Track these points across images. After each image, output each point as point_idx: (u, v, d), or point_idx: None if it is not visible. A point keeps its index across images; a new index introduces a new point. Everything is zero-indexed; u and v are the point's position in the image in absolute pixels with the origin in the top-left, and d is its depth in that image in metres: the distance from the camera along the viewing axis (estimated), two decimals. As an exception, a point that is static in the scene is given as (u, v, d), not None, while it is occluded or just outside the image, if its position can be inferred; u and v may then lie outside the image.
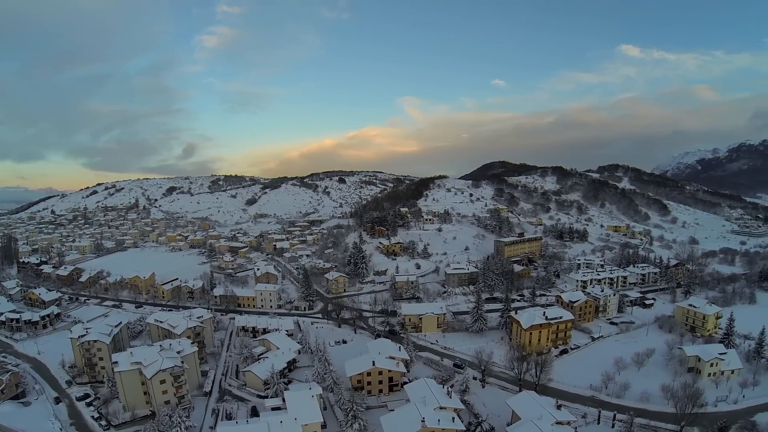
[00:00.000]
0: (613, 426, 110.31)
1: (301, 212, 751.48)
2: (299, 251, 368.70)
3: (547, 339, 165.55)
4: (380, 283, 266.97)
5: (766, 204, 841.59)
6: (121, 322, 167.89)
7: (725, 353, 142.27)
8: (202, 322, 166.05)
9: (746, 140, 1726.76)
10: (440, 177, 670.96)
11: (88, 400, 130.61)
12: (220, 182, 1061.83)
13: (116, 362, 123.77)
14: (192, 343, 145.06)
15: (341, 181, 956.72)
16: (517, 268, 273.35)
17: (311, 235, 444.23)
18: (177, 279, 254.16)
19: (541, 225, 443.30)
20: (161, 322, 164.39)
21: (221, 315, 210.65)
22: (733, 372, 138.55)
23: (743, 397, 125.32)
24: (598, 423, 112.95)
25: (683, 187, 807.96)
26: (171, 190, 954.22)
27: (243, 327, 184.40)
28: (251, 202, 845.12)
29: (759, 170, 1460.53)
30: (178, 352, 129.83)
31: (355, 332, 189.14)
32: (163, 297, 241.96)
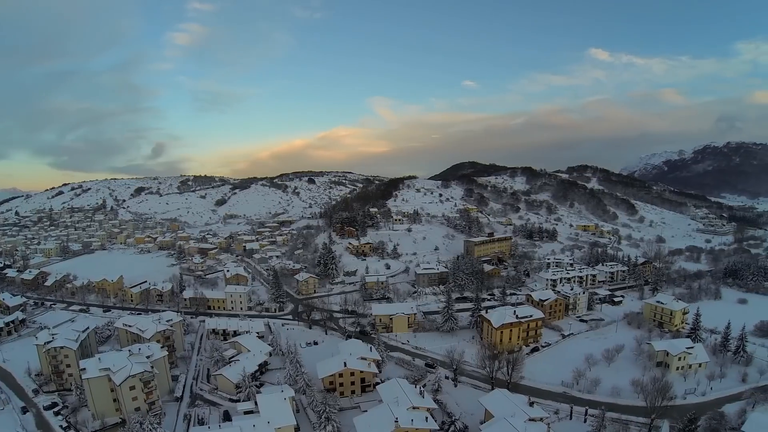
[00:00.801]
0: (585, 421, 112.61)
1: (270, 213, 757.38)
2: (269, 252, 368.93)
3: (518, 337, 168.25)
4: (350, 283, 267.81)
5: (730, 203, 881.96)
6: (88, 327, 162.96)
7: (692, 347, 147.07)
8: (171, 326, 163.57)
9: (711, 142, 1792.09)
10: (410, 177, 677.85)
11: (56, 409, 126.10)
12: (190, 182, 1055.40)
13: (84, 369, 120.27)
14: (162, 347, 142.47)
15: (311, 181, 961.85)
16: (487, 267, 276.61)
17: (281, 236, 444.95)
18: (146, 282, 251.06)
19: (510, 225, 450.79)
20: (130, 326, 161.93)
21: (191, 318, 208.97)
22: (700, 365, 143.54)
23: (711, 389, 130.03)
24: (571, 418, 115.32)
25: (650, 187, 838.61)
26: (139, 190, 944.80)
27: (213, 330, 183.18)
28: (221, 202, 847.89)
29: (723, 171, 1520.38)
30: (148, 357, 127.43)
31: (326, 333, 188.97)
32: (132, 300, 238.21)
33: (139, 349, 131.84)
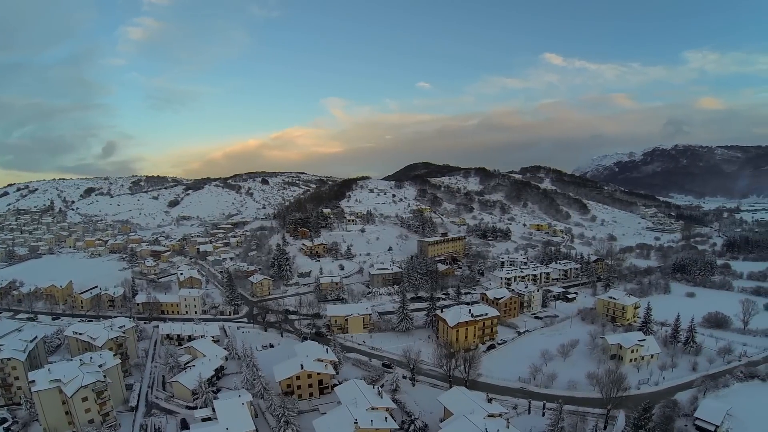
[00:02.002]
0: (543, 415, 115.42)
1: (224, 214, 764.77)
2: (223, 254, 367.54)
3: (474, 335, 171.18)
4: (305, 285, 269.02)
5: (677, 203, 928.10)
6: (37, 337, 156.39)
7: (644, 340, 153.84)
8: (124, 332, 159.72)
9: (660, 145, 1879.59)
10: (363, 178, 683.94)
11: (5, 425, 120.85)
12: (142, 183, 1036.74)
13: (33, 381, 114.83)
14: (114, 355, 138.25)
15: (264, 182, 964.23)
16: (442, 267, 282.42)
17: (235, 237, 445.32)
18: (96, 287, 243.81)
19: (464, 225, 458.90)
20: (81, 334, 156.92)
21: (144, 323, 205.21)
22: (652, 356, 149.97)
23: (663, 378, 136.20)
24: (529, 413, 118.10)
25: (602, 187, 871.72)
26: (89, 191, 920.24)
27: (168, 335, 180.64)
28: (174, 203, 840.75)
29: (671, 172, 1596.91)
30: (100, 366, 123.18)
31: (282, 335, 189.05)
32: (82, 307, 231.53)
33: (91, 358, 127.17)
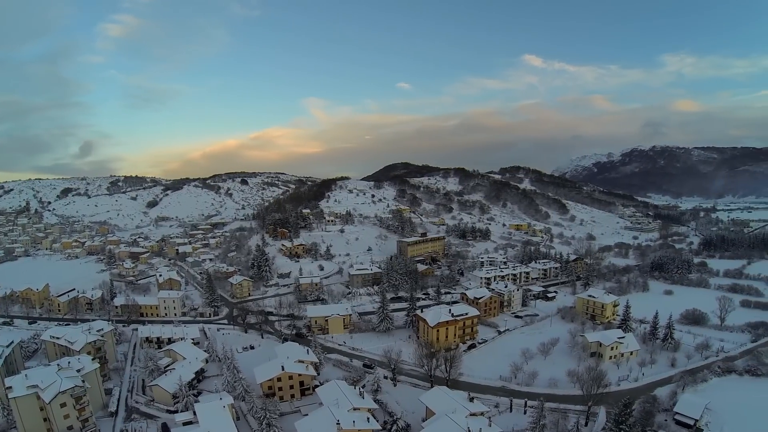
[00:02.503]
0: (525, 412, 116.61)
1: (203, 214, 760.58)
2: (202, 255, 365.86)
3: (455, 335, 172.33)
4: (284, 285, 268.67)
5: (655, 203, 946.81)
6: (13, 341, 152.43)
7: (623, 337, 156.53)
8: (102, 336, 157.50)
9: (638, 146, 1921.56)
10: (342, 178, 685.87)
11: None
12: (120, 183, 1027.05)
13: (10, 387, 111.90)
14: (93, 359, 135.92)
15: (244, 182, 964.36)
16: (421, 267, 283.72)
17: (214, 238, 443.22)
18: (74, 290, 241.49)
19: (443, 225, 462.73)
20: (58, 338, 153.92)
21: (123, 326, 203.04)
22: (632, 353, 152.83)
23: (643, 375, 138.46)
24: (511, 411, 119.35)
25: (581, 187, 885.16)
26: (66, 191, 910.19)
27: (147, 338, 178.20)
28: (152, 204, 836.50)
29: (649, 173, 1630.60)
30: (78, 371, 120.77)
31: (262, 337, 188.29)
32: (59, 310, 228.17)
33: (69, 362, 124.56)
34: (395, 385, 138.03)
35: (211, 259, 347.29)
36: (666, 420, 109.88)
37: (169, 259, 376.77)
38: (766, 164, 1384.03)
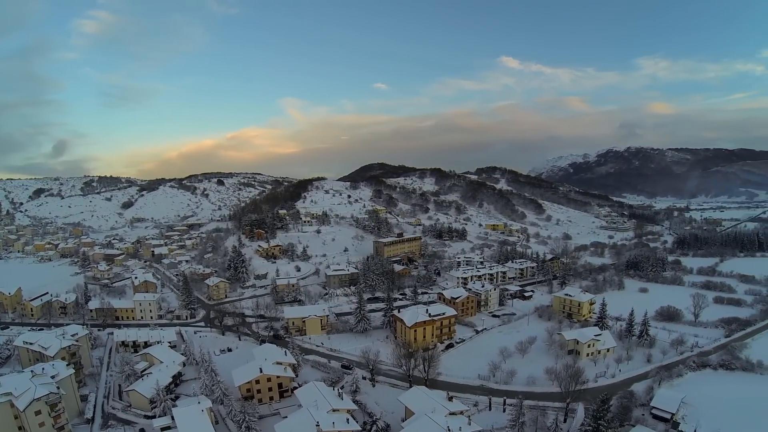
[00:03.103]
0: (504, 410, 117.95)
1: (179, 215, 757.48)
2: (178, 257, 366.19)
3: (432, 335, 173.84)
4: (261, 287, 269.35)
5: (630, 203, 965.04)
6: None
7: (600, 334, 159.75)
8: (77, 341, 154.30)
9: (613, 147, 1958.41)
10: (318, 179, 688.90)
11: None
12: (94, 184, 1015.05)
13: None
14: (68, 364, 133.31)
15: (220, 183, 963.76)
16: (398, 267, 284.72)
17: (190, 239, 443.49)
18: (47, 293, 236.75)
19: (420, 225, 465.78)
20: (31, 343, 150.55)
21: (98, 330, 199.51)
22: (608, 350, 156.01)
23: (619, 371, 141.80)
24: (490, 409, 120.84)
25: (557, 188, 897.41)
26: (39, 192, 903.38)
27: (123, 342, 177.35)
28: (127, 205, 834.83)
29: (624, 173, 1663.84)
30: (53, 377, 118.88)
31: (240, 339, 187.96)
32: (33, 315, 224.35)
33: (43, 369, 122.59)
34: (374, 386, 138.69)
35: (187, 261, 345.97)
36: (643, 414, 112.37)
37: (145, 261, 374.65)
38: (738, 165, 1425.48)
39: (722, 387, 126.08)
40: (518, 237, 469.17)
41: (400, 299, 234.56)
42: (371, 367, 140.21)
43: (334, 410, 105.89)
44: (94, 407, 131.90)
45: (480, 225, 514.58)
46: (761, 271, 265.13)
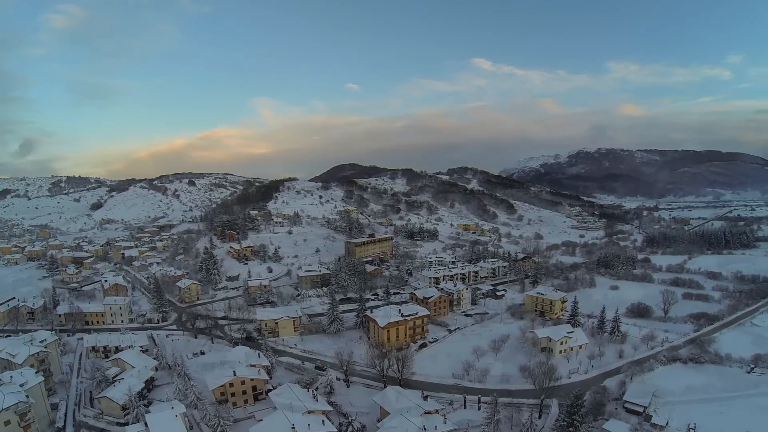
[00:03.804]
0: (479, 408, 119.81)
1: (150, 217, 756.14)
2: (149, 259, 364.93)
3: (405, 335, 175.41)
4: (233, 288, 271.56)
5: (601, 202, 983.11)
6: None
7: (572, 332, 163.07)
8: (46, 347, 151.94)
9: (584, 148, 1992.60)
10: (290, 179, 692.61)
11: None
12: (62, 184, 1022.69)
13: None
14: (36, 372, 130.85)
15: (191, 183, 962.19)
16: (370, 267, 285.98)
17: (161, 241, 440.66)
18: (14, 298, 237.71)
19: (391, 225, 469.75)
20: None
21: (68, 336, 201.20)
22: (581, 347, 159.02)
23: (592, 367, 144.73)
24: (465, 407, 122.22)
25: (528, 188, 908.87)
26: (5, 193, 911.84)
27: (93, 347, 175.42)
28: (97, 206, 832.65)
29: (594, 174, 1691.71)
30: (22, 385, 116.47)
31: (212, 342, 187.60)
32: None
33: (11, 377, 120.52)
34: (348, 387, 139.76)
35: (158, 263, 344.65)
36: (616, 408, 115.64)
37: (115, 264, 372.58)
38: (705, 166, 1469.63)
39: (692, 380, 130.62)
40: (490, 237, 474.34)
41: (373, 299, 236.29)
42: (345, 368, 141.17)
43: (309, 412, 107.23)
44: (65, 416, 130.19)
45: (452, 225, 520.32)
46: (728, 268, 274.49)
